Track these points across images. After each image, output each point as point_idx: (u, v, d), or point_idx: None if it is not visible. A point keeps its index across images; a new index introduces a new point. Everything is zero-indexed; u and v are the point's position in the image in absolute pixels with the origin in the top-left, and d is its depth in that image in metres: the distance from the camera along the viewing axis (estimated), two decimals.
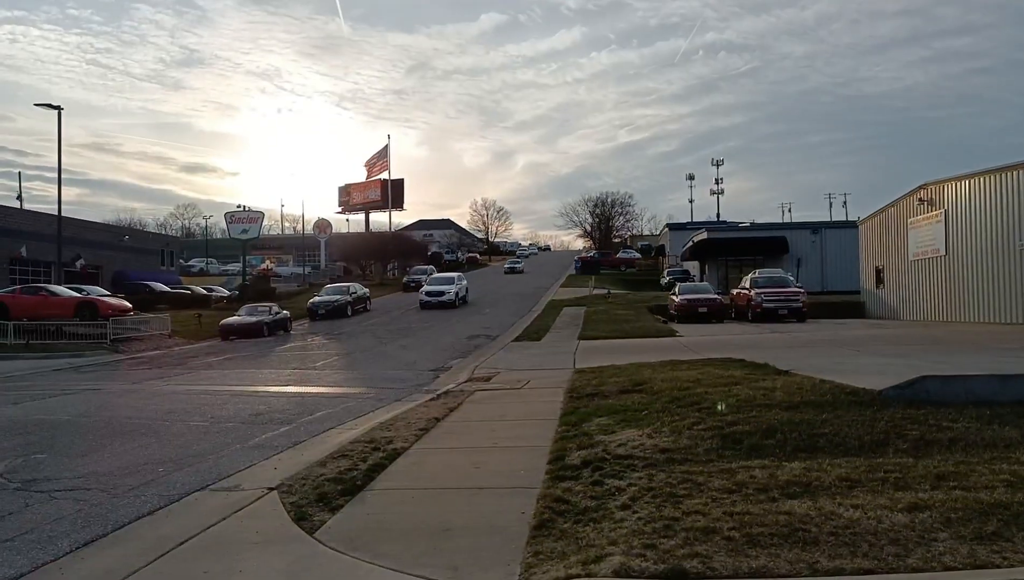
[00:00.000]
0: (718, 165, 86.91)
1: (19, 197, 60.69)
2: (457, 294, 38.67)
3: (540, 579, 4.17)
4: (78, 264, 43.99)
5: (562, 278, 58.57)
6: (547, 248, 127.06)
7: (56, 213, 35.32)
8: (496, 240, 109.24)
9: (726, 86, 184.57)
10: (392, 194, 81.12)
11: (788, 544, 4.33)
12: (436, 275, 46.33)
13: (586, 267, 66.34)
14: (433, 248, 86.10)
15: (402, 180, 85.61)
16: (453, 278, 41.43)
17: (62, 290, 30.33)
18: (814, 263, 45.61)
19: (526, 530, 5.14)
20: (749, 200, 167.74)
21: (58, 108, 32.95)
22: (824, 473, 5.73)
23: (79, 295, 29.97)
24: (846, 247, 41.91)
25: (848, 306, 33.85)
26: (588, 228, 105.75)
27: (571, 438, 7.76)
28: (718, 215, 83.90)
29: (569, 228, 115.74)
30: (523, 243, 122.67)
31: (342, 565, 4.79)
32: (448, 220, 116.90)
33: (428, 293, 38.27)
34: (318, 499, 6.15)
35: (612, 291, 42.39)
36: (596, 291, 42.40)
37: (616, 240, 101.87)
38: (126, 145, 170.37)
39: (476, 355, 19.42)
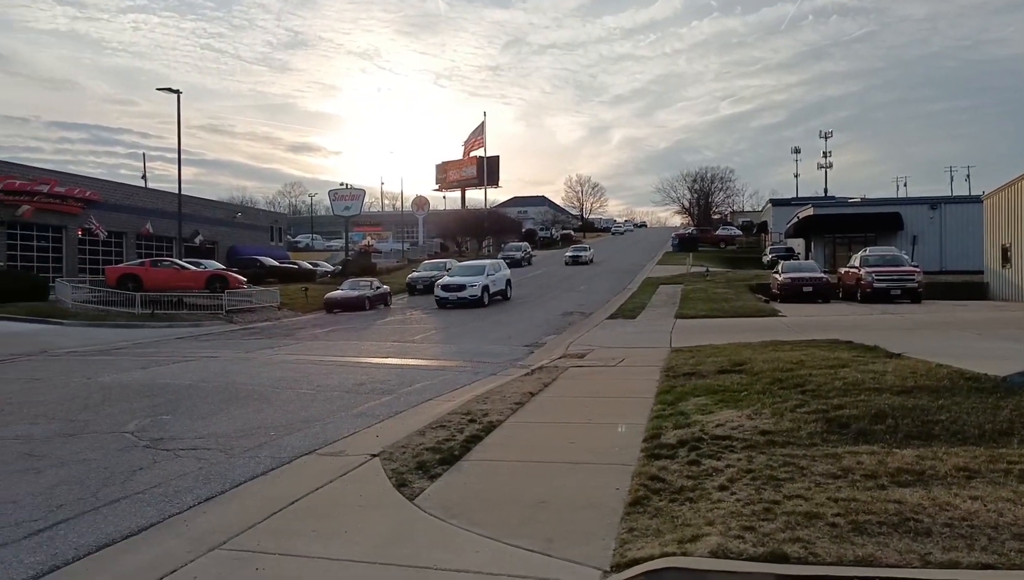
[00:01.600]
0: (827, 137, 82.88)
1: (144, 176, 65.06)
2: (487, 289, 29.00)
3: (635, 555, 4.17)
4: (197, 240, 46.87)
5: (658, 255, 57.56)
6: (643, 225, 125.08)
7: (177, 191, 37.65)
8: (591, 217, 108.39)
9: (838, 53, 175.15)
10: (487, 171, 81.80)
11: (898, 533, 4.14)
12: (462, 263, 35.61)
13: (683, 244, 64.81)
14: (527, 225, 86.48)
15: (497, 157, 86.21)
16: (484, 267, 31.15)
17: (185, 263, 32.56)
18: (932, 241, 42.73)
19: (620, 506, 5.14)
20: (860, 174, 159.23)
21: (177, 92, 35.00)
22: (939, 462, 5.42)
23: (208, 269, 32.18)
24: (968, 224, 39.04)
25: (969, 287, 31.60)
26: (686, 204, 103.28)
27: (667, 417, 7.68)
28: (826, 190, 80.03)
29: (666, 204, 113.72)
30: (618, 219, 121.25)
31: (440, 531, 4.94)
32: (543, 197, 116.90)
33: (445, 286, 29.04)
34: (417, 467, 6.35)
35: (711, 269, 41.29)
36: (694, 269, 41.41)
37: (715, 216, 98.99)
38: (238, 126, 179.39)
39: (570, 332, 19.42)
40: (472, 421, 8.09)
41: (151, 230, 45.13)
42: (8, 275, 29.40)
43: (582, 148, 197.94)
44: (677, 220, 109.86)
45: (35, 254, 38.66)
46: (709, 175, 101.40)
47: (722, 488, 5.21)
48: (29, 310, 24.27)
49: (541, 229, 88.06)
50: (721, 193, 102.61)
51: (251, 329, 23.65)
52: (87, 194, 40.86)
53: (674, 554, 4.06)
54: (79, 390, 11.19)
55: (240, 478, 6.37)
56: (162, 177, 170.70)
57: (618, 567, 4.12)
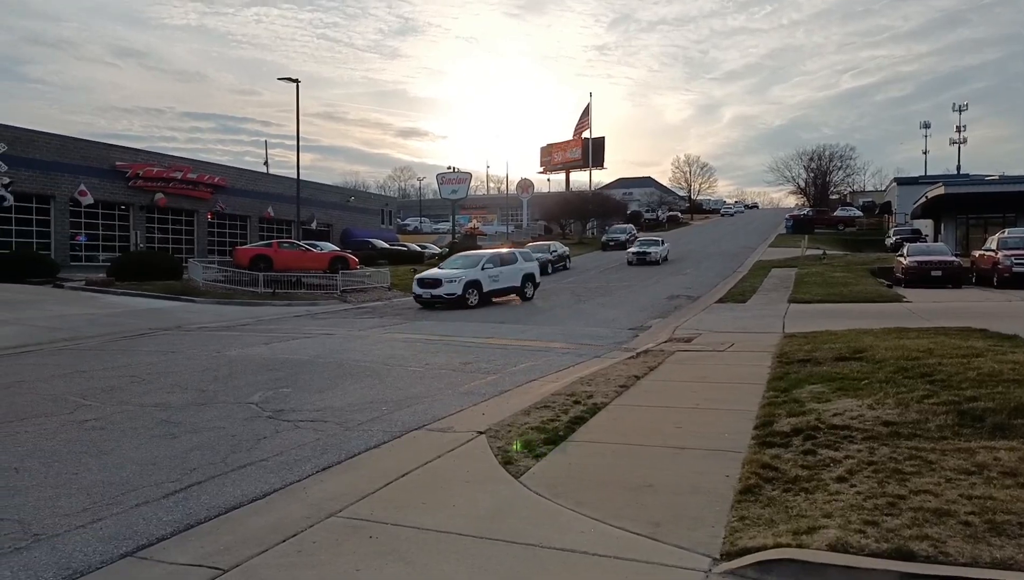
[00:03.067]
0: (961, 110, 76.46)
1: (266, 163, 68.82)
2: (474, 286, 22.99)
3: (747, 544, 4.05)
4: (313, 223, 49.12)
5: (770, 237, 55.32)
6: (754, 206, 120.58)
7: (295, 177, 39.49)
8: (699, 198, 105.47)
9: (977, 18, 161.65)
10: (592, 153, 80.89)
11: None
12: (460, 254, 27.96)
13: (798, 226, 61.94)
14: (633, 207, 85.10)
15: (603, 138, 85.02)
16: (480, 258, 24.65)
17: (307, 245, 34.49)
18: None
19: (730, 494, 5.01)
20: (998, 150, 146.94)
21: (296, 81, 36.59)
22: None
23: (328, 250, 34.13)
24: None
25: None
26: (801, 184, 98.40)
27: (780, 404, 7.39)
28: (958, 167, 74.14)
29: (779, 184, 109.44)
30: (728, 200, 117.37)
31: (545, 510, 4.98)
32: (649, 178, 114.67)
33: (420, 281, 23.46)
34: (523, 446, 6.42)
35: (828, 252, 39.29)
36: (809, 252, 39.52)
37: (833, 197, 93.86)
38: (351, 113, 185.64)
39: (676, 315, 19.02)
40: (576, 402, 8.09)
41: (272, 214, 47.68)
42: (147, 256, 31.87)
43: (691, 127, 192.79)
44: (791, 201, 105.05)
45: (170, 236, 41.68)
46: (827, 153, 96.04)
47: (840, 480, 4.97)
48: (165, 288, 26.21)
49: (647, 211, 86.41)
50: (840, 172, 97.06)
51: (363, 308, 24.54)
52: (216, 180, 43.58)
53: (789, 545, 3.91)
54: (209, 363, 12.00)
55: (354, 450, 6.65)
56: (282, 163, 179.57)
57: (728, 555, 4.01)
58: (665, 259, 39.22)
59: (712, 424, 7.11)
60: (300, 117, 37.80)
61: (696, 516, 4.68)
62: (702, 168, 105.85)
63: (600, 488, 5.36)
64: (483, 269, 23.65)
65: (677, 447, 6.38)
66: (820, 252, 38.76)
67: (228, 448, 6.74)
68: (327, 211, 53.68)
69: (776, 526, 4.25)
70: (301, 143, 39.06)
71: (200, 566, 4.12)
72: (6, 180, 27.67)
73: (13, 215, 32.12)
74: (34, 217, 34.19)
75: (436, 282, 22.91)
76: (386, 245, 48.88)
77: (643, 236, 46.02)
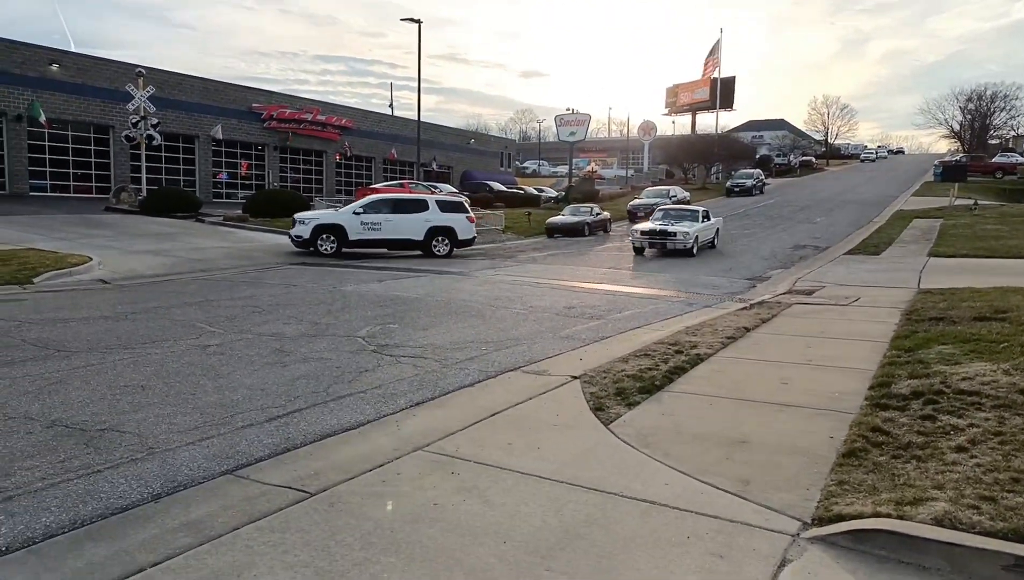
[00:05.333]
0: None
1: (391, 105, 70.40)
2: (332, 232, 20.01)
3: (842, 510, 3.77)
4: (433, 165, 50.05)
5: (915, 185, 51.00)
6: (900, 151, 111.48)
7: (417, 119, 40.14)
8: (836, 142, 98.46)
9: None
10: (721, 93, 76.76)
11: None
12: (375, 197, 22.81)
13: (948, 173, 56.61)
14: (762, 151, 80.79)
15: (733, 78, 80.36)
16: (361, 202, 21.50)
17: (418, 187, 35.33)
18: None
19: (833, 456, 4.70)
20: None
21: (418, 22, 36.86)
22: None
23: (450, 192, 35.21)
24: None
25: None
26: (956, 127, 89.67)
27: (902, 364, 6.82)
28: None
29: (930, 127, 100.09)
30: (869, 145, 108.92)
31: (631, 459, 4.86)
32: (782, 120, 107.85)
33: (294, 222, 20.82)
34: (616, 393, 6.29)
35: (980, 202, 35.73)
36: (958, 201, 36.14)
37: (993, 142, 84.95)
38: (472, 54, 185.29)
39: (799, 267, 18.00)
40: (678, 352, 7.83)
41: (396, 155, 48.97)
42: (279, 194, 33.63)
43: (832, 65, 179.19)
44: (943, 146, 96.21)
45: (301, 176, 43.78)
46: (988, 93, 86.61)
47: (960, 450, 4.52)
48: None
49: (777, 155, 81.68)
50: (1003, 114, 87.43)
51: (474, 250, 24.85)
52: (343, 122, 45.13)
53: (889, 515, 3.60)
54: (325, 297, 12.54)
55: (448, 387, 6.76)
56: (407, 105, 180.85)
57: (820, 521, 3.76)
58: (712, 244, 23.26)
59: (823, 382, 6.68)
60: (422, 58, 38.15)
61: (790, 477, 4.41)
62: (842, 110, 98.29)
63: (691, 441, 5.17)
64: (355, 213, 20.40)
65: (781, 403, 6.05)
66: (971, 202, 35.33)
67: (331, 378, 7.02)
68: (447, 153, 54.49)
69: (878, 494, 3.93)
70: (424, 85, 39.49)
71: (290, 488, 4.32)
72: (154, 120, 29.74)
73: (162, 153, 34.69)
74: (180, 156, 36.78)
75: (294, 224, 20.64)
76: (503, 188, 49.05)
77: (663, 210, 24.48)
